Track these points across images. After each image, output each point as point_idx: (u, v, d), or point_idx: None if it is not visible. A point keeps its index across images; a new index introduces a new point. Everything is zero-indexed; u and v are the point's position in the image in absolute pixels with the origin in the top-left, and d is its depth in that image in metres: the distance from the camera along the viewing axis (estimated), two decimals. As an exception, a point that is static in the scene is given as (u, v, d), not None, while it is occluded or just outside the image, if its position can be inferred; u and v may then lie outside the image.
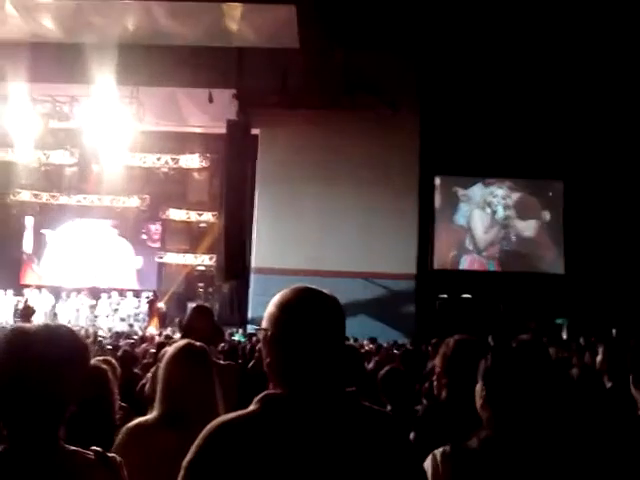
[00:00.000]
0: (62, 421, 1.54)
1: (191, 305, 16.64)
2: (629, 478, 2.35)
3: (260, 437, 1.37)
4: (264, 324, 1.50)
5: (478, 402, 1.91)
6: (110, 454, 1.61)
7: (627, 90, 14.68)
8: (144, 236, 20.06)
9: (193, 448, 1.41)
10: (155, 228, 20.17)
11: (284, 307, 1.48)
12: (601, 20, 13.39)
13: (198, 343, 2.50)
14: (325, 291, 1.52)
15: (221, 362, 3.92)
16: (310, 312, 1.47)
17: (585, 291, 15.37)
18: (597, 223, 15.90)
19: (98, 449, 1.59)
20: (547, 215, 17.42)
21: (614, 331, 13.18)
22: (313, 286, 1.52)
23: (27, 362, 1.48)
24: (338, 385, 1.47)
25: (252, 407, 1.44)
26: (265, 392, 1.47)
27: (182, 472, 1.40)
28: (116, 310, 17.92)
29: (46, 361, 1.48)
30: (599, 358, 3.96)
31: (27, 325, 1.60)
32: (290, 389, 1.44)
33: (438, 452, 1.87)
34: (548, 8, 13.42)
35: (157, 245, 20.07)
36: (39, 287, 18.50)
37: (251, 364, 6.23)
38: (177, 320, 10.80)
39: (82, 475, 1.52)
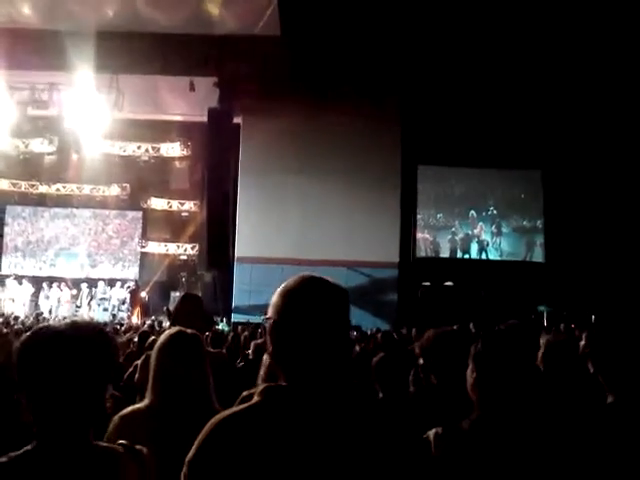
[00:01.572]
0: (92, 418, 1.53)
1: (175, 294, 16.70)
2: (610, 460, 2.40)
3: (262, 431, 1.36)
4: (269, 313, 1.48)
5: (469, 384, 1.95)
6: (137, 447, 1.61)
7: (604, 77, 14.80)
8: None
9: (195, 444, 1.39)
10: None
11: (287, 295, 1.46)
12: (577, 12, 13.46)
13: (189, 330, 2.50)
14: (331, 280, 1.50)
15: (212, 350, 3.93)
16: (313, 300, 1.44)
17: (565, 279, 15.57)
18: (576, 212, 16.09)
19: (126, 443, 1.59)
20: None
21: (593, 318, 13.40)
22: (319, 275, 1.50)
23: (56, 360, 1.47)
24: (341, 375, 1.45)
25: (254, 399, 1.43)
26: (266, 384, 1.46)
27: (185, 468, 1.38)
28: (102, 300, 17.81)
29: (74, 359, 1.48)
30: (582, 343, 4.03)
31: (54, 324, 1.58)
32: (292, 380, 1.42)
33: (431, 433, 1.90)
34: (523, 5, 13.48)
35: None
36: (19, 277, 18.29)
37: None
38: (165, 309, 10.74)
39: (113, 470, 1.52)
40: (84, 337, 1.52)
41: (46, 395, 1.47)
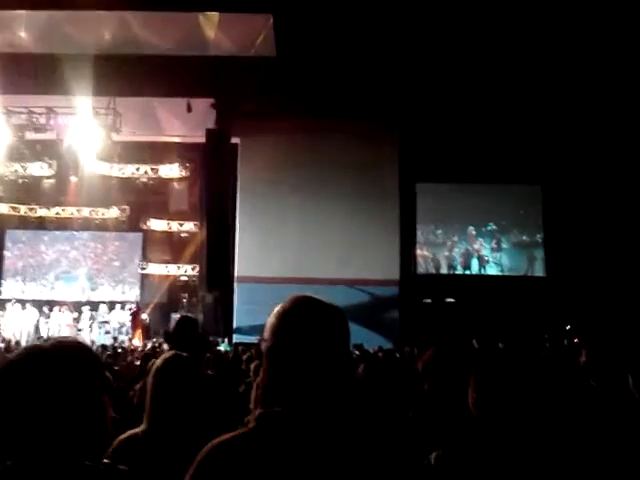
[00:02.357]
0: (81, 436, 1.51)
1: (175, 316, 16.64)
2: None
3: (257, 457, 1.32)
4: (265, 336, 1.45)
5: (470, 403, 1.93)
6: (121, 467, 1.59)
7: (603, 93, 14.86)
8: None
9: (190, 470, 1.36)
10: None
11: (281, 316, 1.43)
12: (573, 30, 13.54)
13: (185, 354, 2.47)
14: (325, 300, 1.47)
15: (210, 373, 3.89)
16: (307, 320, 1.41)
17: (567, 293, 15.51)
18: (576, 225, 16.08)
19: (108, 462, 1.57)
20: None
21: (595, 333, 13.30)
22: (314, 295, 1.47)
23: (40, 377, 1.48)
24: (341, 398, 1.41)
25: (249, 425, 1.39)
26: (261, 410, 1.42)
27: None
28: (103, 323, 17.73)
29: (59, 375, 1.49)
30: (582, 359, 3.98)
31: (41, 344, 1.61)
32: (286, 404, 1.38)
33: (432, 457, 1.87)
34: (524, 16, 13.55)
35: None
36: (20, 302, 18.22)
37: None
38: (162, 332, 10.73)
39: None
40: (68, 355, 1.53)
41: (28, 412, 1.45)
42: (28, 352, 1.55)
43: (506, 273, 17.52)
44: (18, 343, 14.20)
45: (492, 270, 17.65)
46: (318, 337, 1.40)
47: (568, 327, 14.48)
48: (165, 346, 9.30)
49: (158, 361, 2.47)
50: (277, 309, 1.45)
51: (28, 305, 17.91)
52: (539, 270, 17.40)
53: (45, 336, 16.51)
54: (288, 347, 1.40)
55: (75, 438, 1.49)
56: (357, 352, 10.13)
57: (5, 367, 1.52)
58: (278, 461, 1.32)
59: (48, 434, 1.46)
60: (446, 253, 17.71)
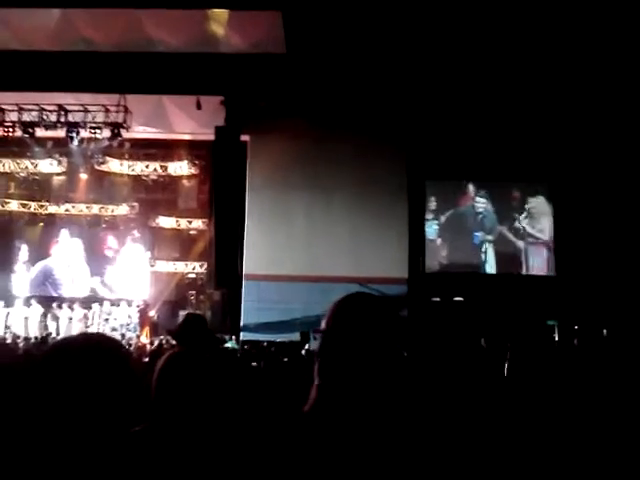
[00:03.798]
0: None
1: (183, 313, 16.67)
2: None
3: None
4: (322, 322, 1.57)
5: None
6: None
7: (611, 92, 14.77)
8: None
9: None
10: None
11: (334, 307, 1.57)
12: (580, 30, 13.47)
13: (191, 351, 2.46)
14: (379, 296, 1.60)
15: (214, 369, 3.87)
16: (359, 311, 1.52)
17: (576, 292, 15.43)
18: (585, 224, 15.99)
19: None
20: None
21: (605, 332, 13.25)
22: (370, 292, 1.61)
23: (74, 371, 1.53)
24: (379, 383, 1.48)
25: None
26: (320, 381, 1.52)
27: None
28: (107, 320, 17.78)
29: (86, 374, 1.54)
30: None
31: (67, 338, 1.70)
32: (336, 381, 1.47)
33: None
34: (529, 16, 13.49)
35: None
36: (28, 298, 18.31)
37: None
38: (167, 330, 10.76)
39: None
40: (97, 348, 1.59)
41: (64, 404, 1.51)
42: (57, 346, 1.62)
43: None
44: (27, 339, 14.29)
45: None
46: (363, 327, 1.50)
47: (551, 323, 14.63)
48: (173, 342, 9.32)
49: (162, 358, 2.45)
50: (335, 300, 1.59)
51: (36, 302, 17.99)
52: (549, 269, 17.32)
53: (54, 332, 16.60)
54: (339, 333, 1.50)
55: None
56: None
57: (41, 360, 1.58)
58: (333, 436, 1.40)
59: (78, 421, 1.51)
60: (457, 251, 17.74)
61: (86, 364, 1.53)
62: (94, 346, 1.59)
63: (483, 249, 17.83)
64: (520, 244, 17.77)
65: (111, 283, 19.55)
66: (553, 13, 13.29)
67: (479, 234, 18.04)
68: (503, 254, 17.67)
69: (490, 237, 17.98)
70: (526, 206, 17.84)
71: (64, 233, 19.61)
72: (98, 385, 1.52)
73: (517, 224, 17.84)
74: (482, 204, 17.98)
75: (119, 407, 1.56)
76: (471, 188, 17.98)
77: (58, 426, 1.50)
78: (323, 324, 1.54)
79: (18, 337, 15.04)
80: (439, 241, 17.82)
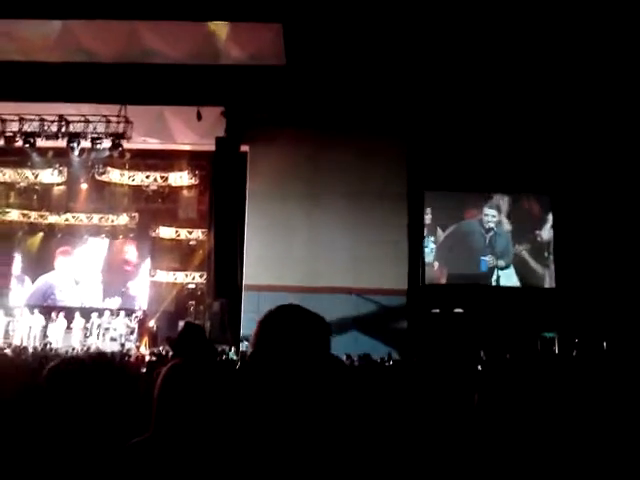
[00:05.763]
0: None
1: (182, 324, 16.65)
2: None
3: None
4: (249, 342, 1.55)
5: None
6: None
7: (613, 103, 14.83)
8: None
9: None
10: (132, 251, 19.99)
11: (260, 324, 1.51)
12: (582, 38, 13.53)
13: (193, 362, 2.46)
14: (307, 309, 1.52)
15: (212, 380, 3.87)
16: (286, 328, 1.47)
17: (576, 305, 15.41)
18: (586, 236, 15.99)
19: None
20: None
21: (605, 344, 13.23)
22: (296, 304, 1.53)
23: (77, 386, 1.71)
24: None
25: None
26: None
27: None
28: (107, 330, 17.74)
29: (94, 386, 1.72)
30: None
31: (79, 354, 1.83)
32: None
33: None
34: (531, 26, 13.55)
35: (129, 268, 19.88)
36: (28, 307, 18.29)
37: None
38: (166, 339, 10.72)
39: None
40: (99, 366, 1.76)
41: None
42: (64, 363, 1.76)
43: (515, 284, 17.36)
44: (26, 349, 14.24)
45: (502, 281, 17.46)
46: (291, 342, 1.46)
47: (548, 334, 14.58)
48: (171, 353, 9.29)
49: (164, 368, 2.46)
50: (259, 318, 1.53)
51: (37, 311, 17.97)
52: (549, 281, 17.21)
53: (54, 342, 16.56)
54: (265, 353, 1.47)
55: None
56: (362, 362, 10.09)
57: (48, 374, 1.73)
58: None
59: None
60: (457, 263, 17.54)
61: (87, 385, 1.68)
62: (94, 367, 1.73)
63: (494, 278, 16.72)
64: (540, 270, 16.79)
65: (110, 293, 19.54)
66: (554, 24, 13.36)
67: (488, 259, 16.95)
68: (520, 278, 16.71)
69: (502, 262, 16.85)
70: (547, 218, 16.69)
71: (75, 246, 19.65)
72: (97, 402, 1.64)
73: (539, 240, 16.68)
74: (492, 218, 16.86)
75: (116, 420, 1.63)
76: (479, 198, 17.05)
77: (60, 439, 1.53)
78: (250, 341, 1.53)
79: (16, 346, 14.99)
80: (436, 265, 17.04)
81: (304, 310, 1.50)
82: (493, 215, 16.97)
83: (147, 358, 13.17)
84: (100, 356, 1.80)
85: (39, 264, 19.68)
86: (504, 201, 17.24)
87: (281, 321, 1.48)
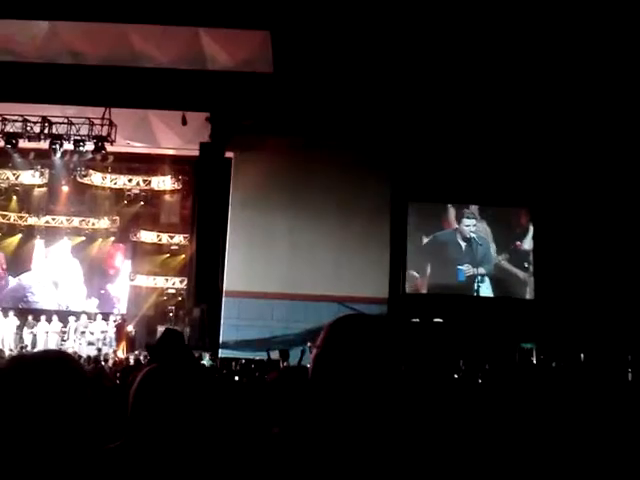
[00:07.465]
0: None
1: (161, 329, 16.54)
2: None
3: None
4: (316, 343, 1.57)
5: None
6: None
7: (592, 116, 15.01)
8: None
9: None
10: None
11: (329, 327, 1.54)
12: (566, 47, 13.68)
13: (169, 367, 2.44)
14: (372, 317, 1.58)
15: (192, 386, 3.85)
16: (352, 333, 1.50)
17: (555, 316, 15.54)
18: (565, 249, 16.15)
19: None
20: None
21: (582, 356, 13.37)
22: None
23: (26, 388, 1.58)
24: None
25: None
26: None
27: None
28: (83, 333, 17.55)
29: (43, 387, 1.59)
30: None
31: (25, 354, 1.78)
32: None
33: None
34: (515, 35, 13.69)
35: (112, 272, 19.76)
36: (5, 310, 18.03)
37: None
38: (145, 344, 10.67)
39: None
40: (52, 364, 1.63)
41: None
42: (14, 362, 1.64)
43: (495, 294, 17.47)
44: (1, 352, 14.07)
45: (482, 291, 17.55)
46: (357, 349, 1.48)
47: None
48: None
49: (140, 374, 2.43)
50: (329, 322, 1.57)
51: (12, 314, 17.71)
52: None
53: (29, 345, 16.36)
54: (333, 355, 1.48)
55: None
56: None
57: None
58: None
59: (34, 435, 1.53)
60: (437, 273, 17.59)
61: (41, 381, 1.57)
62: (49, 363, 1.62)
63: (475, 287, 16.86)
64: (522, 275, 17.10)
65: (88, 296, 19.37)
66: (529, 39, 13.50)
67: (464, 268, 17.14)
68: (501, 287, 17.00)
69: (483, 270, 17.12)
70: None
71: (56, 246, 19.46)
72: (55, 402, 1.55)
73: (521, 249, 16.99)
74: (473, 227, 17.08)
75: (79, 423, 1.59)
76: (456, 210, 17.30)
77: (25, 443, 1.50)
78: (317, 345, 1.53)
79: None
80: (417, 274, 17.06)
81: (379, 319, 1.57)
82: (474, 225, 17.18)
83: (124, 362, 13.09)
84: (53, 353, 1.77)
85: (17, 265, 19.45)
86: (485, 212, 17.42)
87: (354, 328, 1.51)
